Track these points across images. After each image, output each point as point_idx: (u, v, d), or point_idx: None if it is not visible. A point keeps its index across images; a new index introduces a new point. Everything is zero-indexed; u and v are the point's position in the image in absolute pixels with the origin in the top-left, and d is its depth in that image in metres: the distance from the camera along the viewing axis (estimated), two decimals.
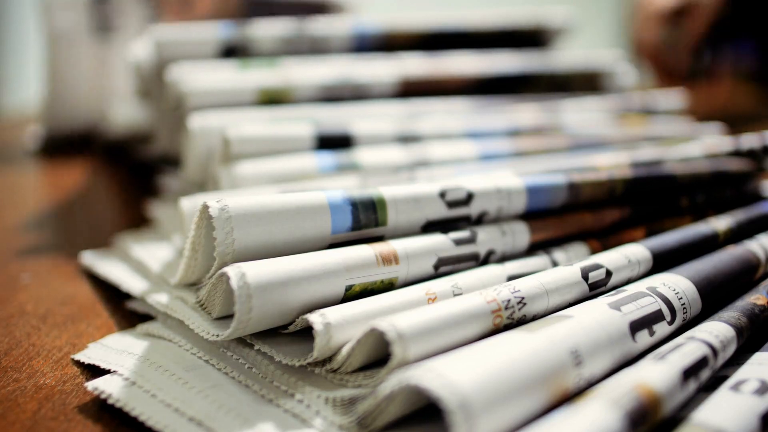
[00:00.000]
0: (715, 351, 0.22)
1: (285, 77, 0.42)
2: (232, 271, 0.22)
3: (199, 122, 0.37)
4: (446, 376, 0.18)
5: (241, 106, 0.40)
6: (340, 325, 0.22)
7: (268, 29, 0.46)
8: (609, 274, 0.26)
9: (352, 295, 0.24)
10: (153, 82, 0.45)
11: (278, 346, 0.24)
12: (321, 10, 0.60)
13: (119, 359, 0.25)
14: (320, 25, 0.48)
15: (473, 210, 0.29)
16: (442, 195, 0.28)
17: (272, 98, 0.41)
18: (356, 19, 0.50)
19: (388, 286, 0.25)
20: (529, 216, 0.30)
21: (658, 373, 0.20)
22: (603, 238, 0.31)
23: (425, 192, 0.28)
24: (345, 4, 0.60)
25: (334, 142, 0.37)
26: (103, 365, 0.25)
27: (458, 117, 0.43)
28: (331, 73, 0.43)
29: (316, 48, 0.47)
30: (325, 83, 0.43)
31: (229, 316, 0.25)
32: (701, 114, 0.56)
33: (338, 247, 0.25)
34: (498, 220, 0.29)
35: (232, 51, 0.45)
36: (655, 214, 0.33)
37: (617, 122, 0.47)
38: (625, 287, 0.25)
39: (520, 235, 0.29)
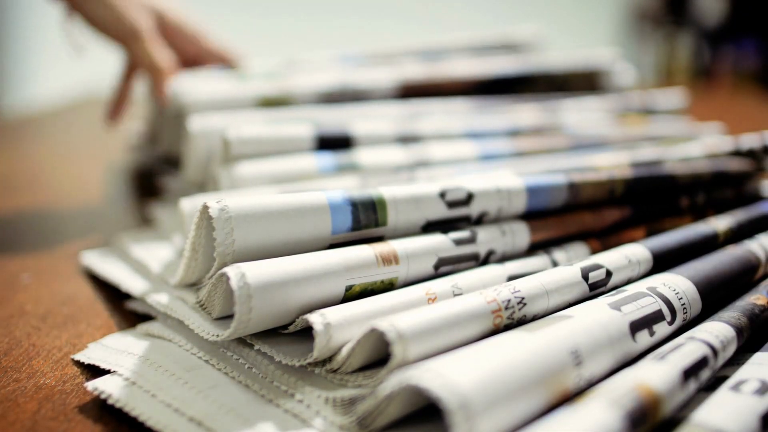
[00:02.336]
0: (715, 351, 0.22)
1: (284, 85, 0.42)
2: (232, 271, 0.22)
3: (199, 124, 0.37)
4: (446, 376, 0.18)
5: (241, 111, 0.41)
6: (340, 325, 0.22)
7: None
8: (609, 274, 0.26)
9: (352, 295, 0.24)
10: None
11: (278, 346, 0.24)
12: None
13: (119, 359, 0.25)
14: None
15: (473, 210, 0.29)
16: (442, 195, 0.28)
17: (272, 106, 0.41)
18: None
19: (388, 286, 0.25)
20: (530, 216, 0.30)
21: (658, 373, 0.20)
22: (603, 238, 0.31)
23: (425, 192, 0.28)
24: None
25: (334, 142, 0.37)
26: (103, 365, 0.25)
27: (458, 117, 0.43)
28: (331, 80, 0.43)
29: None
30: (325, 90, 0.43)
31: (229, 317, 0.25)
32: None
33: (338, 248, 0.25)
34: (498, 220, 0.29)
35: None
36: (655, 214, 0.33)
37: (617, 122, 0.47)
38: (626, 287, 0.25)
39: (520, 235, 0.29)
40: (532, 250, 0.29)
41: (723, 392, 0.21)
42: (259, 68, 0.47)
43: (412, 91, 0.45)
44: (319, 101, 0.43)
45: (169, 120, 0.44)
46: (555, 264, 0.28)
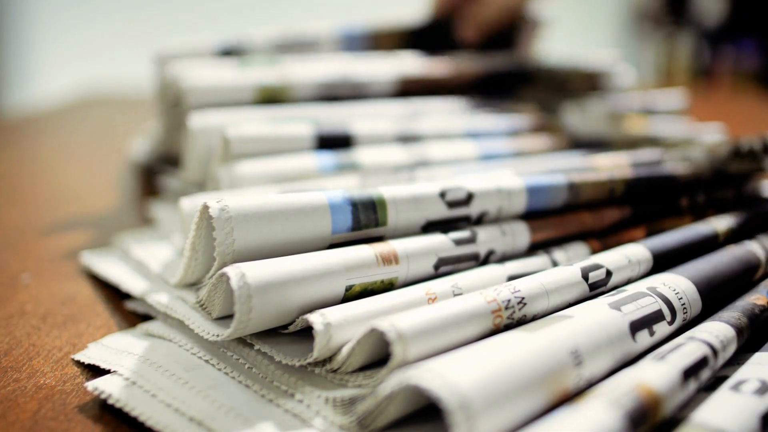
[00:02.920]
0: (715, 351, 0.22)
1: (284, 75, 0.42)
2: (232, 271, 0.22)
3: (199, 121, 0.37)
4: (446, 376, 0.18)
5: (241, 104, 0.40)
6: (341, 325, 0.22)
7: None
8: (609, 274, 0.26)
9: (352, 295, 0.24)
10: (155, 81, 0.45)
11: (278, 346, 0.24)
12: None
13: (119, 359, 0.25)
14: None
15: (473, 210, 0.29)
16: (442, 195, 0.28)
17: (271, 96, 0.41)
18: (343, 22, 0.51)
19: (388, 286, 0.25)
20: (530, 216, 0.30)
21: (658, 373, 0.20)
22: (603, 238, 0.31)
23: (425, 192, 0.28)
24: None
25: (334, 141, 0.37)
26: (103, 365, 0.25)
27: (458, 117, 0.43)
28: (330, 71, 0.43)
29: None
30: (324, 81, 0.43)
31: (229, 316, 0.25)
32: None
33: (338, 247, 0.25)
34: (498, 220, 0.29)
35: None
36: (655, 214, 0.33)
37: (617, 122, 0.47)
38: (626, 287, 0.25)
39: (521, 235, 0.29)
40: (532, 250, 0.29)
41: (723, 392, 0.21)
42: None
43: (411, 85, 0.45)
44: (318, 92, 0.43)
45: (166, 115, 0.44)
46: (555, 264, 0.28)
